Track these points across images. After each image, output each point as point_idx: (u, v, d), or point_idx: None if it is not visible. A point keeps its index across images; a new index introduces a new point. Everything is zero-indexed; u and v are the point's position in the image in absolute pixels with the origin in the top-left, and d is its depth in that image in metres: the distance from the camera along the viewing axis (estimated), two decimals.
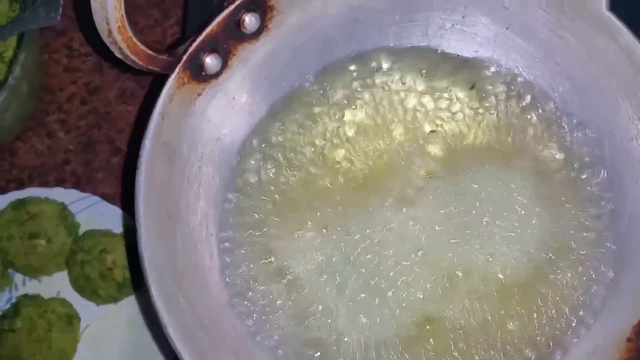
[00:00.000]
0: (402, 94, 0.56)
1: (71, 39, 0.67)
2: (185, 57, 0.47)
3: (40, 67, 0.64)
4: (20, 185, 0.62)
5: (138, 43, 0.42)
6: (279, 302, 0.52)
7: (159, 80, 0.49)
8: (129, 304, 0.59)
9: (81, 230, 0.60)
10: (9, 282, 0.59)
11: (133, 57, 0.42)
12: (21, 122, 0.63)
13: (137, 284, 0.58)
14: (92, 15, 0.38)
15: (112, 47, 0.41)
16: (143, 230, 0.44)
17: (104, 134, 0.64)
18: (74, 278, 0.58)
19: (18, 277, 0.59)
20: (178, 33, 0.68)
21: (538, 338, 0.51)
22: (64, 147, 0.64)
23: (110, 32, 0.39)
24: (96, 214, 0.60)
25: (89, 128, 0.64)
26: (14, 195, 0.59)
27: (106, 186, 0.63)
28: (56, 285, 0.59)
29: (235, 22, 0.50)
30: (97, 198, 0.60)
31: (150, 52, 0.43)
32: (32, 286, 0.59)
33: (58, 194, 0.60)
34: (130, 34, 0.41)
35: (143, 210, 0.45)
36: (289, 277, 0.52)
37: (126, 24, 0.40)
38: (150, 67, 0.45)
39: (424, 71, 0.57)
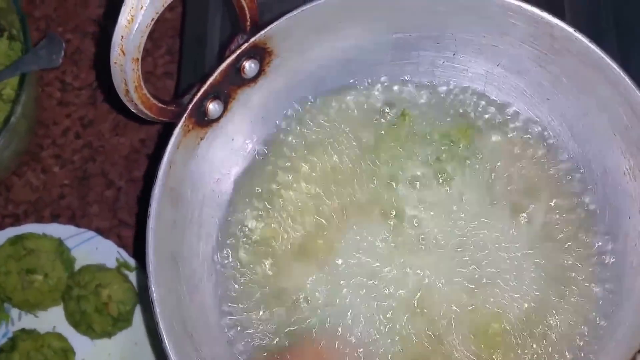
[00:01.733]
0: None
1: (64, 72, 0.67)
2: (190, 106, 0.48)
3: (37, 102, 0.64)
4: (16, 221, 0.63)
5: (151, 98, 0.43)
6: (275, 341, 0.53)
7: None
8: (123, 338, 0.59)
9: (77, 265, 0.60)
10: (5, 316, 0.60)
11: (146, 112, 0.44)
12: (18, 157, 0.63)
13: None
14: (112, 77, 0.39)
15: (128, 104, 0.42)
16: (153, 278, 0.45)
17: (98, 167, 0.65)
18: (70, 313, 0.59)
19: (14, 312, 0.60)
20: (169, 62, 0.68)
21: None
22: (59, 182, 0.64)
23: (127, 91, 0.41)
24: (91, 248, 0.61)
25: (84, 162, 0.65)
26: (12, 232, 0.60)
27: (100, 220, 0.64)
28: (52, 319, 0.60)
29: (236, 69, 0.51)
30: (92, 233, 0.61)
31: (161, 105, 0.45)
32: (28, 321, 0.60)
33: (54, 229, 0.60)
34: (144, 91, 0.42)
35: (153, 258, 0.46)
36: (285, 320, 0.53)
37: (142, 84, 0.41)
38: (161, 118, 0.46)
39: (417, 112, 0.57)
